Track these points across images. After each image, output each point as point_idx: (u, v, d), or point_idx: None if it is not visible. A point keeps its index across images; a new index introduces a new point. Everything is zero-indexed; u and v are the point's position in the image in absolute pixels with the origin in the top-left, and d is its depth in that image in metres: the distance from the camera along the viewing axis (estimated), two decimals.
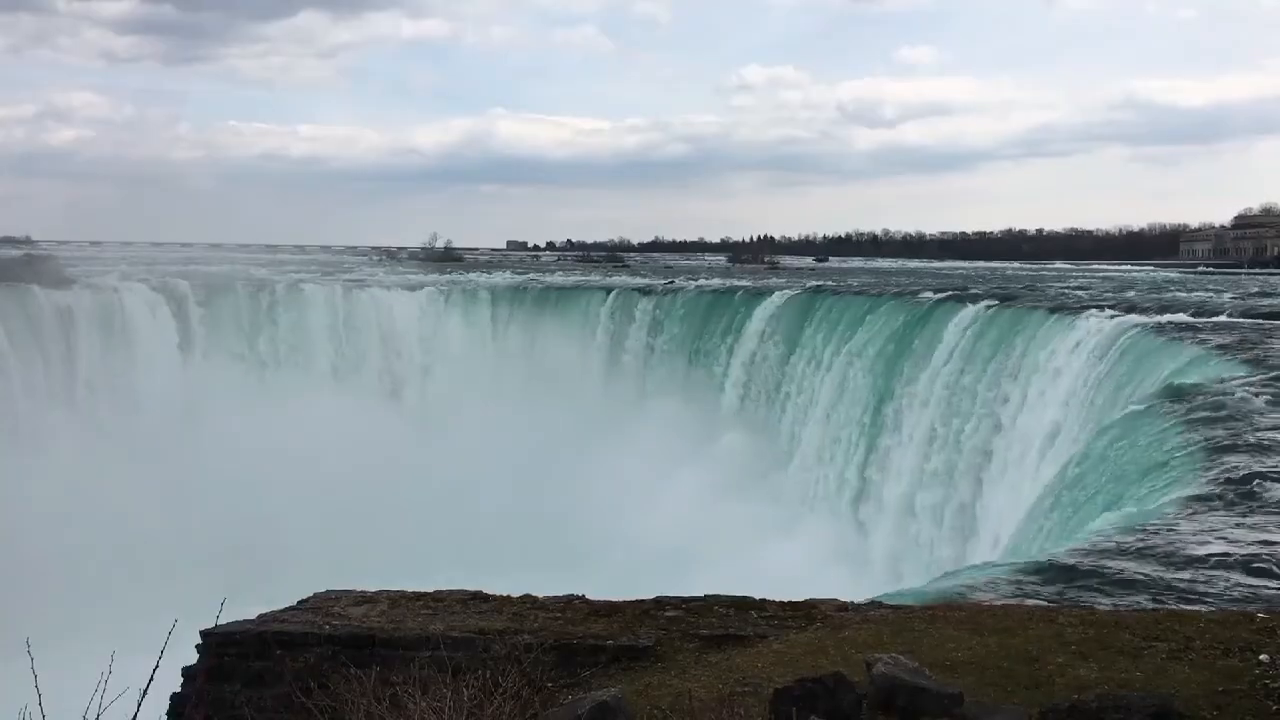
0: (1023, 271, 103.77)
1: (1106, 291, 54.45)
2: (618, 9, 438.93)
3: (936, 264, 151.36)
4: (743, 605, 10.79)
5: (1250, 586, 12.09)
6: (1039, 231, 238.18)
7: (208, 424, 50.88)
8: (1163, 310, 39.36)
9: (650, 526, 42.27)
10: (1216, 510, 15.05)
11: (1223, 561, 12.90)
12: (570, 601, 11.15)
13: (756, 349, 54.53)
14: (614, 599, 11.18)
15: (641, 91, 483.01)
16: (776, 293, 58.04)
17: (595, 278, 79.18)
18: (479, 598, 11.31)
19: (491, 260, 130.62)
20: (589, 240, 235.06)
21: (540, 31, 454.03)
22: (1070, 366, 33.00)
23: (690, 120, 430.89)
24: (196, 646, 10.76)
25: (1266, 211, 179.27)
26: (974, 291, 51.36)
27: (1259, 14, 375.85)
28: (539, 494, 45.96)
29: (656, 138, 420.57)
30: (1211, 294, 52.86)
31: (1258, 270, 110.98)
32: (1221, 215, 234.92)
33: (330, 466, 45.95)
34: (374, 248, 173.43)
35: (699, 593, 11.16)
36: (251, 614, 11.18)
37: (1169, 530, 14.21)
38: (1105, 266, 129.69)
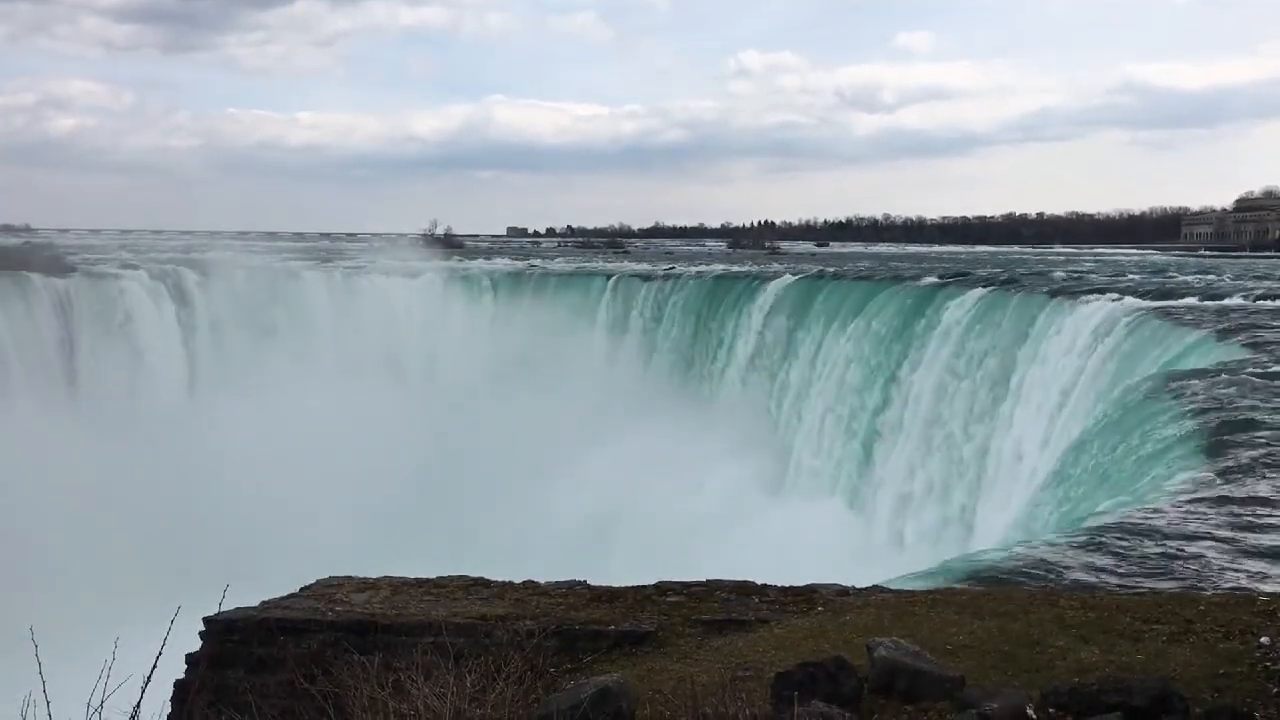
0: (1023, 256, 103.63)
1: (1108, 275, 54.38)
2: None
3: (937, 248, 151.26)
4: (744, 590, 10.81)
5: (1251, 569, 12.11)
6: (1039, 216, 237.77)
7: (209, 411, 50.92)
8: (1164, 294, 39.31)
9: (653, 512, 42.33)
10: (1219, 493, 15.06)
11: (1224, 544, 12.92)
12: (572, 588, 11.17)
13: (759, 334, 54.50)
14: (615, 585, 11.20)
15: (640, 78, 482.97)
16: (779, 278, 57.96)
17: (596, 264, 79.08)
18: (481, 584, 11.33)
19: (492, 247, 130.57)
20: (589, 226, 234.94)
21: (538, 18, 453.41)
22: (1072, 350, 32.97)
23: (689, 106, 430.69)
24: (200, 633, 10.78)
25: (1267, 195, 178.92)
26: (976, 275, 51.30)
27: None
28: (542, 479, 45.99)
29: (655, 124, 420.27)
30: (1213, 277, 52.78)
31: (1259, 254, 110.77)
32: (1222, 199, 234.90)
33: (332, 453, 46.00)
34: (374, 235, 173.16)
35: (701, 576, 11.18)
36: (254, 600, 11.21)
37: (1170, 513, 14.22)
38: (1106, 250, 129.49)
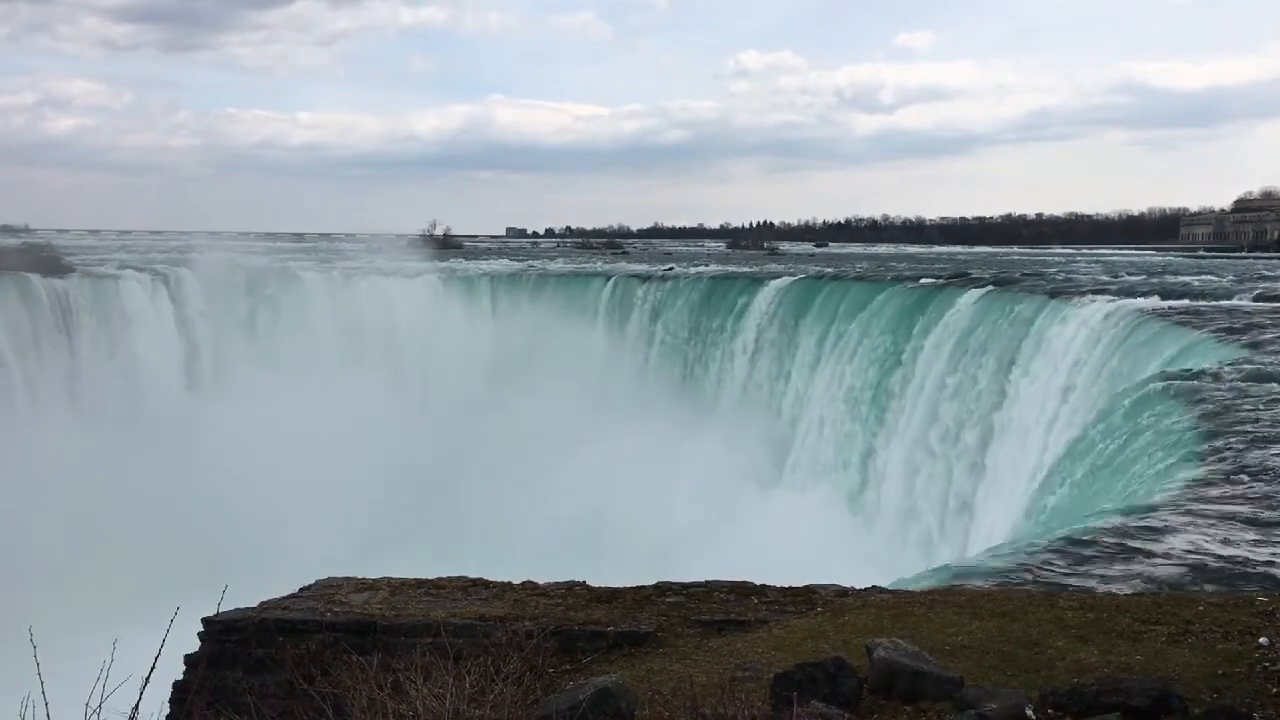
0: (1022, 256, 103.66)
1: (1106, 275, 54.37)
2: None
3: (936, 249, 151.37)
4: (743, 590, 10.82)
5: (1249, 570, 12.11)
6: (1038, 216, 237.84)
7: (208, 412, 50.91)
8: (1163, 294, 39.29)
9: (652, 510, 42.36)
10: (1217, 494, 15.06)
11: (1222, 545, 12.91)
12: (571, 588, 11.18)
13: (758, 334, 54.48)
14: (615, 585, 11.20)
15: (640, 78, 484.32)
16: (777, 279, 57.93)
17: (595, 264, 79.05)
18: (480, 584, 11.34)
19: (490, 248, 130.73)
20: (588, 227, 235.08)
21: (538, 18, 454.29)
22: (1070, 350, 32.94)
23: (689, 106, 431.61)
24: (199, 634, 10.79)
25: (1266, 195, 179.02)
26: (975, 275, 51.23)
27: None
28: (540, 478, 46.00)
29: (655, 124, 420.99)
30: (1211, 277, 52.80)
31: (1258, 254, 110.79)
32: (1221, 199, 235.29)
33: (331, 453, 45.98)
34: (373, 235, 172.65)
35: (699, 577, 11.18)
36: (253, 601, 11.21)
37: (1169, 514, 14.22)
38: (1105, 251, 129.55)
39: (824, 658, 7.59)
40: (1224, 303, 37.68)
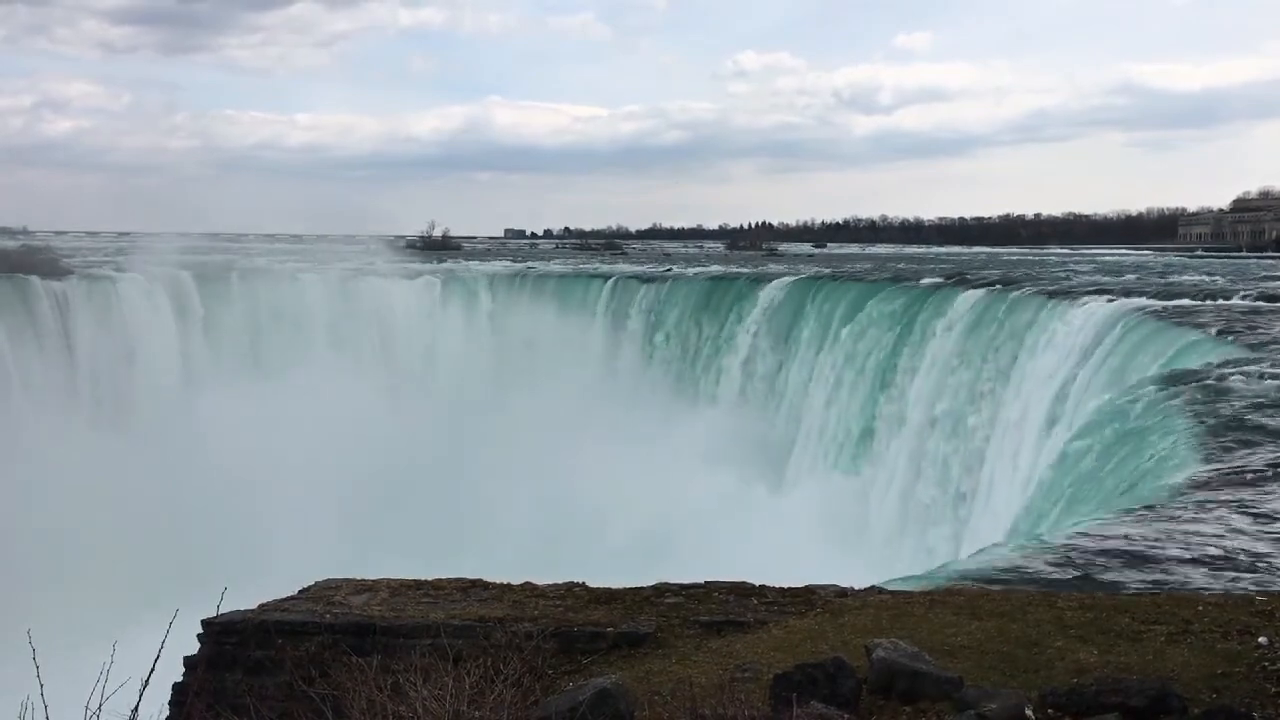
0: (1021, 257, 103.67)
1: (1105, 275, 54.40)
2: None
3: (935, 249, 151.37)
4: (742, 591, 10.81)
5: (1248, 569, 12.11)
6: (1036, 216, 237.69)
7: (206, 413, 50.85)
8: (1161, 294, 39.29)
9: (651, 511, 42.33)
10: (1216, 493, 15.07)
11: (1221, 544, 12.91)
12: (570, 589, 11.17)
13: (756, 334, 54.49)
14: (614, 586, 11.19)
15: (638, 78, 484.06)
16: (777, 279, 57.94)
17: (594, 265, 79.01)
18: (479, 585, 11.34)
19: (489, 249, 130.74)
20: (587, 228, 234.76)
21: (537, 18, 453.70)
22: (1069, 350, 32.95)
23: (687, 107, 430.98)
24: (198, 636, 10.78)
25: (1264, 195, 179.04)
26: (973, 276, 51.27)
27: None
28: (539, 480, 45.96)
29: (653, 125, 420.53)
30: (1209, 277, 52.82)
31: (1256, 254, 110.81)
32: (1219, 199, 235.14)
33: (329, 454, 45.93)
34: (371, 236, 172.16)
35: (698, 578, 11.18)
36: (252, 603, 11.20)
37: (1168, 513, 14.22)
38: (1103, 251, 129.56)
39: (823, 658, 7.60)
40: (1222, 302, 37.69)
